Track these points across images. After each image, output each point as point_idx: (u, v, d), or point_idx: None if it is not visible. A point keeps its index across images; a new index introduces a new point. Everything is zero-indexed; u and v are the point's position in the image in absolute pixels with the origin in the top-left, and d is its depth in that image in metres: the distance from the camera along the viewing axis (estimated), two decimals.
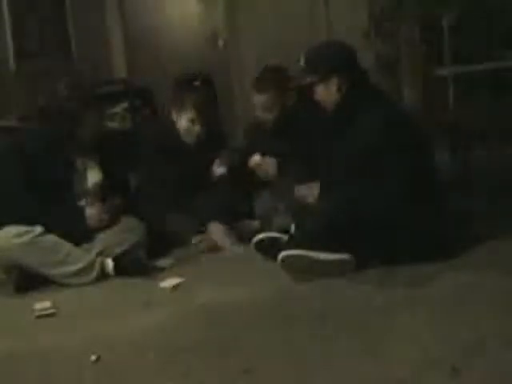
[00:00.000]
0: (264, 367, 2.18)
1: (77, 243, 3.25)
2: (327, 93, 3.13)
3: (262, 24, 5.60)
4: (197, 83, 3.93)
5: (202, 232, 3.63)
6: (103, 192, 3.42)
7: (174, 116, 3.76)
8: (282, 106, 3.64)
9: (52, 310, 2.85)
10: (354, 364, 2.15)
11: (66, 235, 3.21)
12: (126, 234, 3.36)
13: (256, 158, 3.63)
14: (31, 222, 3.15)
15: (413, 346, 2.22)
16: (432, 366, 2.08)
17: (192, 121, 3.71)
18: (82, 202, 3.36)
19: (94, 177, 3.41)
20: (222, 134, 4.05)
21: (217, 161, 3.78)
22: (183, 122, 3.73)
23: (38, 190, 3.20)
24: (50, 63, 5.12)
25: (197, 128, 3.71)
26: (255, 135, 3.84)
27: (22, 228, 3.14)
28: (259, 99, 3.67)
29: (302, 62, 3.30)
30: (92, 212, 3.31)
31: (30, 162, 3.24)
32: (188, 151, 3.75)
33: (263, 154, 3.62)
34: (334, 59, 3.13)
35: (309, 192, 3.24)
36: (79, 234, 3.27)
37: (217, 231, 3.59)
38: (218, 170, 3.77)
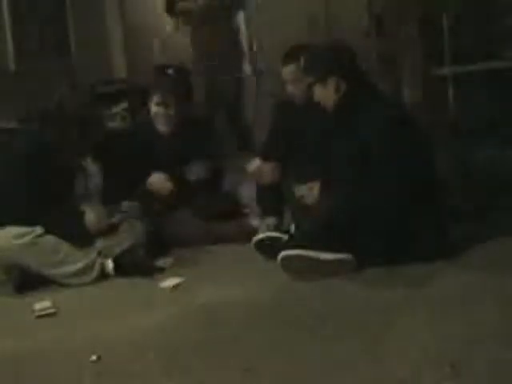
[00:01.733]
0: (264, 367, 2.18)
1: (78, 243, 3.25)
2: (326, 93, 3.13)
3: (262, 24, 5.60)
4: (170, 71, 3.95)
5: None
6: (104, 193, 3.42)
7: (149, 104, 3.80)
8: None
9: (52, 310, 2.85)
10: (354, 364, 2.15)
11: (66, 237, 3.21)
12: (125, 234, 3.36)
13: (255, 163, 3.63)
14: (31, 223, 3.15)
15: (413, 345, 2.22)
16: (432, 365, 2.08)
17: (158, 104, 3.72)
18: (84, 204, 3.35)
19: (95, 178, 3.40)
20: (199, 123, 4.03)
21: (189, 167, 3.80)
22: (152, 105, 3.76)
23: (38, 191, 3.20)
24: (50, 63, 5.12)
25: (169, 112, 3.72)
26: (285, 111, 3.82)
27: (22, 228, 3.14)
28: (286, 71, 3.65)
29: (301, 63, 3.30)
30: (91, 216, 3.30)
31: (30, 164, 3.24)
32: (163, 143, 3.77)
33: (290, 133, 3.61)
34: (332, 60, 3.13)
35: (309, 192, 3.24)
36: (78, 237, 3.26)
37: (157, 179, 3.62)
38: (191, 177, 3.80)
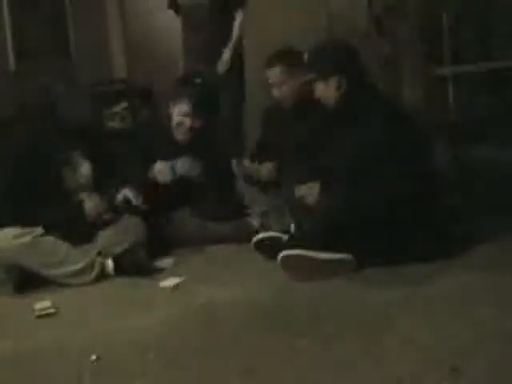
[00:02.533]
0: (264, 367, 2.18)
1: (79, 240, 3.25)
2: (327, 91, 3.14)
3: (262, 24, 5.59)
4: (198, 81, 3.94)
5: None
6: (96, 184, 3.41)
7: (171, 110, 3.77)
8: (299, 86, 3.59)
9: (52, 310, 2.85)
10: (354, 364, 2.15)
11: (66, 233, 3.21)
12: (126, 233, 3.35)
13: (254, 166, 3.64)
14: (28, 223, 3.15)
15: (413, 345, 2.22)
16: (432, 365, 2.08)
17: (185, 115, 3.70)
18: (81, 194, 3.34)
19: (84, 170, 3.40)
20: (212, 139, 4.01)
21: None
22: (174, 115, 3.73)
23: (30, 190, 3.19)
24: (50, 63, 5.12)
25: (189, 122, 3.70)
26: (274, 117, 3.82)
27: (21, 228, 3.14)
28: (269, 74, 3.66)
29: (305, 60, 3.30)
30: (90, 203, 3.30)
31: (18, 162, 3.23)
32: (176, 150, 3.76)
33: (280, 137, 3.61)
34: (335, 59, 3.14)
35: (309, 192, 3.24)
36: (79, 230, 3.26)
37: (161, 168, 3.62)
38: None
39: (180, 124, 3.72)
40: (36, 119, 3.34)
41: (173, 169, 3.63)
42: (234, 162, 3.90)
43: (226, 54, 4.59)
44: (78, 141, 3.39)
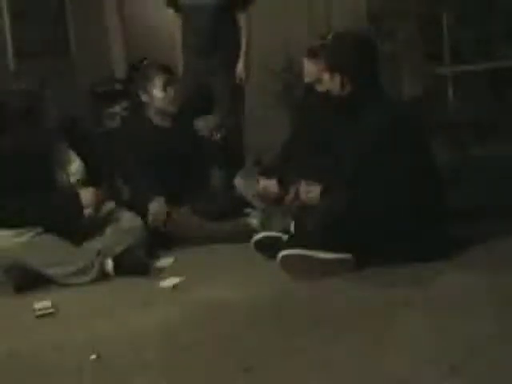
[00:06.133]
0: (264, 367, 2.18)
1: (78, 240, 3.25)
2: (331, 85, 3.10)
3: (262, 24, 5.60)
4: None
5: None
6: (89, 179, 3.40)
7: (145, 96, 3.83)
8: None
9: (52, 310, 2.85)
10: (354, 364, 2.15)
11: (66, 232, 3.21)
12: (126, 233, 3.35)
13: (261, 183, 3.65)
14: (27, 221, 3.15)
15: (413, 345, 2.22)
16: (432, 365, 2.08)
17: (165, 85, 3.79)
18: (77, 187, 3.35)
19: (75, 167, 3.39)
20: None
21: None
22: (157, 90, 3.80)
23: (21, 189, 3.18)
24: (50, 63, 5.12)
25: (172, 90, 3.80)
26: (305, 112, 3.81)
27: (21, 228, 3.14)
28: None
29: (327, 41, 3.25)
30: (87, 192, 3.29)
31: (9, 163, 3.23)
32: (163, 133, 3.82)
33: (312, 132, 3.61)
34: (341, 58, 3.09)
35: (310, 191, 3.24)
36: (79, 229, 3.27)
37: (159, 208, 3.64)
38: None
39: (166, 96, 3.81)
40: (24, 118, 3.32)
41: None
42: (238, 176, 3.91)
43: (240, 65, 4.55)
44: (68, 139, 3.39)
